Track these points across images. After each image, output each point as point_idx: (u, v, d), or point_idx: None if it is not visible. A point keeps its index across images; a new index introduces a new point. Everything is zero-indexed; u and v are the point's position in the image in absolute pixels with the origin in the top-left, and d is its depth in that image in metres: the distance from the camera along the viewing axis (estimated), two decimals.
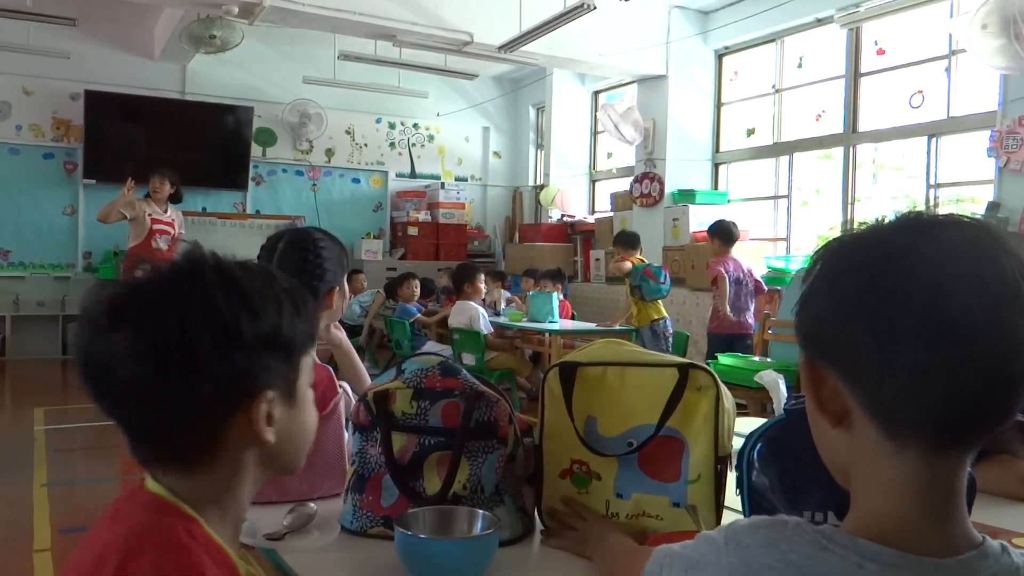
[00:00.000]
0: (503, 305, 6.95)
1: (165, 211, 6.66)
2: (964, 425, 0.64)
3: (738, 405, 1.80)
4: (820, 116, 6.90)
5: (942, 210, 0.66)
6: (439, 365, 1.24)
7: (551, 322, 5.83)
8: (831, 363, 0.66)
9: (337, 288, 1.69)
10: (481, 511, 1.14)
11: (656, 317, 5.70)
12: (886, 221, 0.67)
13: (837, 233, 0.69)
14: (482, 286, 6.09)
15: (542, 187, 9.64)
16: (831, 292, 0.65)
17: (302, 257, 1.60)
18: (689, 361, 1.26)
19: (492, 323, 5.95)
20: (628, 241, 6.08)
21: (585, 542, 1.18)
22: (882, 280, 0.62)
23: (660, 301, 5.79)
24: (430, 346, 6.32)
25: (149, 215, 6.55)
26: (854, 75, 6.52)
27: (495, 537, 1.08)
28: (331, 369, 1.49)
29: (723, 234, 5.60)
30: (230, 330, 0.75)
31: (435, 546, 1.07)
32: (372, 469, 1.24)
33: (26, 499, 3.70)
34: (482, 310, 5.81)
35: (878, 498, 0.66)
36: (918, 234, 0.63)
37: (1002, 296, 0.61)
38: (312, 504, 1.28)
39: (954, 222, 0.65)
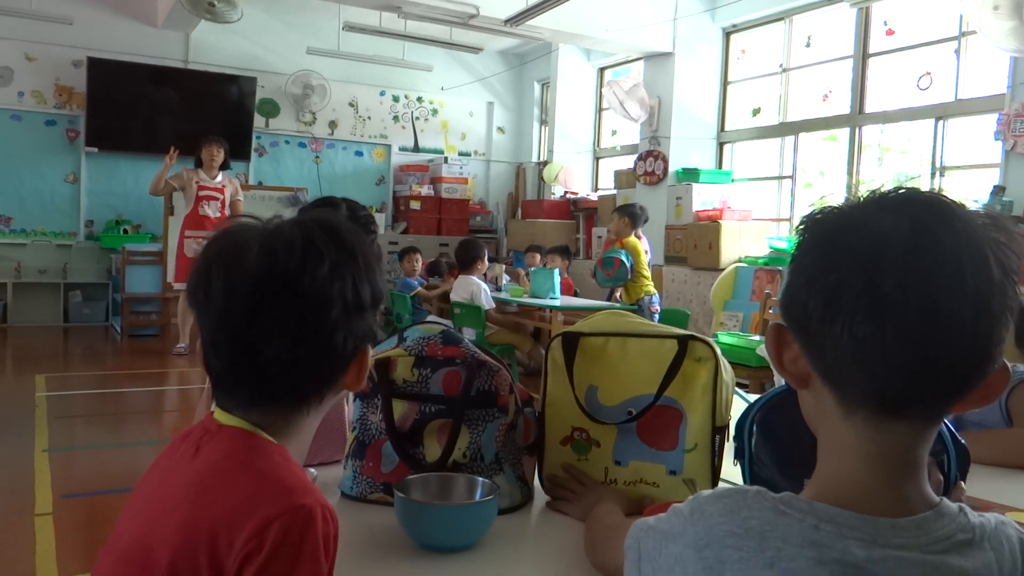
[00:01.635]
0: (504, 281, 6.95)
1: (214, 178, 6.67)
2: (906, 398, 0.65)
3: (739, 384, 1.81)
4: (827, 96, 6.86)
5: (928, 187, 0.69)
6: (441, 334, 1.24)
7: (552, 298, 5.84)
8: (793, 328, 0.70)
9: None
10: (481, 479, 1.15)
11: (641, 295, 5.72)
12: (878, 193, 0.68)
13: (823, 204, 0.71)
14: (485, 262, 6.09)
15: (545, 163, 9.61)
16: (798, 261, 0.69)
17: (365, 229, 1.74)
18: (689, 333, 1.26)
19: (493, 298, 5.95)
20: (633, 217, 5.96)
21: (581, 508, 1.19)
22: (834, 252, 0.65)
23: (646, 279, 5.80)
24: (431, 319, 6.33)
25: (196, 183, 6.57)
26: (862, 55, 6.47)
27: (494, 503, 1.08)
28: None
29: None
30: (376, 291, 0.85)
31: (435, 511, 1.07)
32: (372, 436, 1.24)
33: (27, 464, 3.73)
34: (484, 285, 5.81)
35: (835, 463, 0.69)
36: (881, 209, 0.65)
37: (941, 282, 0.62)
38: (312, 470, 1.29)
39: (922, 201, 0.66)
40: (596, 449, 1.28)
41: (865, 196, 0.68)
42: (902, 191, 0.67)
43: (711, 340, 1.24)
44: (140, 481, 0.87)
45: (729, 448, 1.23)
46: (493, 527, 1.10)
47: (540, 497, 1.29)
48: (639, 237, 6.00)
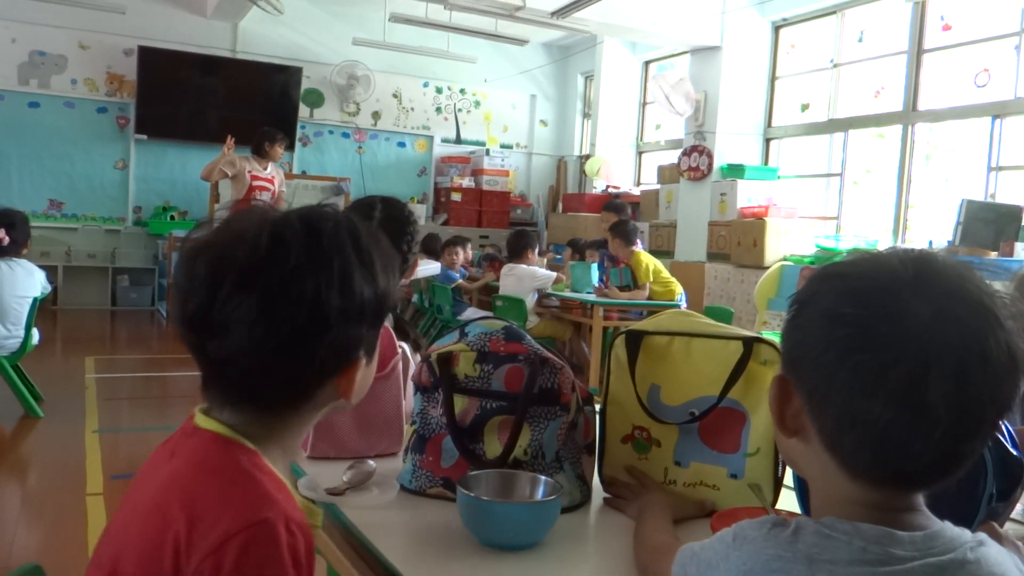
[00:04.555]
0: None
1: (265, 168, 6.79)
2: (915, 479, 0.68)
3: None
4: (879, 93, 6.71)
5: (949, 262, 0.67)
6: (503, 330, 1.24)
7: (588, 292, 5.83)
8: (804, 391, 0.69)
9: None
10: (543, 477, 1.14)
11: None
12: (890, 259, 0.67)
13: (838, 258, 0.71)
14: (535, 253, 6.13)
15: (587, 157, 9.57)
16: (826, 329, 0.67)
17: (402, 230, 1.72)
18: (755, 335, 1.24)
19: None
20: (625, 236, 5.81)
21: (637, 509, 1.18)
22: (876, 340, 0.64)
23: (670, 283, 5.71)
24: (470, 312, 6.35)
25: (249, 172, 6.70)
26: (917, 51, 6.32)
27: (558, 503, 1.08)
28: (390, 329, 1.49)
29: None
30: (354, 305, 0.77)
31: (499, 509, 1.07)
32: (433, 430, 1.24)
33: (79, 444, 3.81)
34: (539, 269, 5.81)
35: (839, 508, 0.69)
36: (920, 299, 0.64)
37: (981, 380, 0.63)
38: (371, 462, 1.29)
39: (958, 294, 0.65)
40: (656, 449, 1.27)
41: (894, 261, 0.67)
42: (930, 270, 0.66)
43: (778, 343, 1.22)
44: (123, 497, 0.85)
45: None
46: (553, 526, 1.09)
47: (598, 496, 1.28)
48: (635, 245, 5.90)
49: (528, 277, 5.68)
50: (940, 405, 0.62)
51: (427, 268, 6.25)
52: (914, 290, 0.65)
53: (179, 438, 0.81)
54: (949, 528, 0.67)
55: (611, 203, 6.60)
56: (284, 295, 0.74)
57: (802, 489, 1.16)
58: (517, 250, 5.86)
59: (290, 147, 8.80)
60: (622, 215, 6.31)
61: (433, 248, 6.94)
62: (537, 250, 6.11)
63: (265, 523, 0.71)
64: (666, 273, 5.77)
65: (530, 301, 5.68)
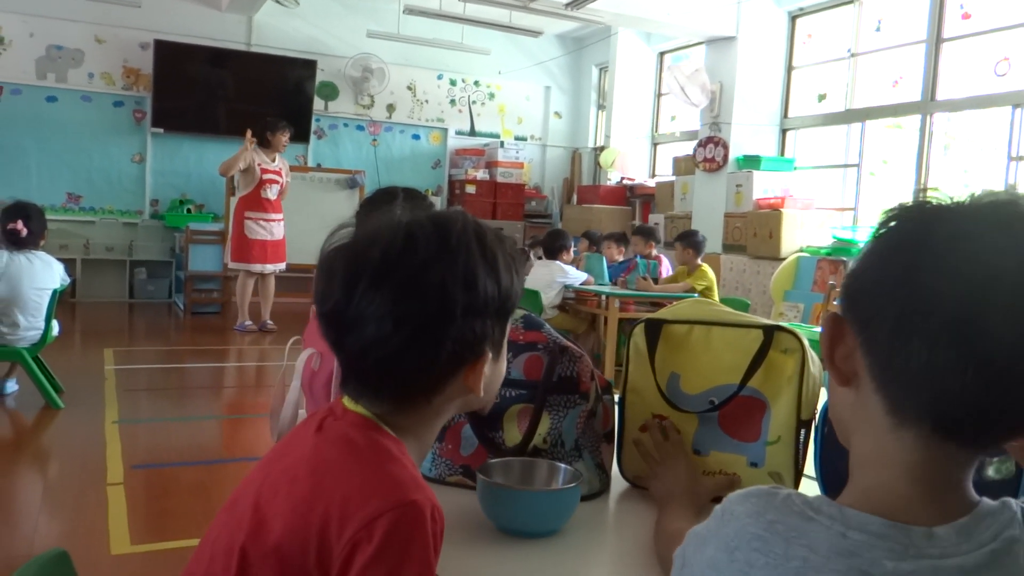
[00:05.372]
0: None
1: (273, 160, 6.81)
2: (963, 427, 0.62)
3: None
4: (897, 83, 6.65)
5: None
6: (522, 319, 1.24)
7: (600, 284, 5.85)
8: (856, 325, 0.66)
9: None
10: (563, 465, 1.14)
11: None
12: (972, 199, 0.63)
13: (920, 198, 0.66)
14: (571, 253, 6.15)
15: (602, 149, 9.54)
16: (880, 260, 0.64)
17: None
18: (775, 323, 1.24)
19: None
20: (696, 246, 5.86)
21: (661, 486, 1.18)
22: (928, 270, 0.60)
23: (699, 271, 5.71)
24: None
25: (259, 165, 6.72)
26: (936, 40, 6.25)
27: (578, 490, 1.08)
28: None
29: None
30: (479, 299, 0.81)
31: (519, 496, 1.07)
32: (452, 418, 1.24)
33: (99, 435, 3.85)
34: (568, 267, 5.83)
35: (873, 470, 0.66)
36: (995, 227, 0.60)
37: None
38: None
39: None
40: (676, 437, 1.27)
41: (978, 198, 0.63)
42: (1004, 197, 0.62)
43: (799, 331, 1.21)
44: (264, 457, 0.89)
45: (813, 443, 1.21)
46: (573, 514, 1.09)
47: (617, 485, 1.28)
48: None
49: (559, 272, 5.71)
50: (995, 338, 0.58)
51: None
52: (978, 213, 0.61)
53: (326, 415, 0.85)
54: (983, 517, 0.62)
55: (642, 227, 6.72)
56: (414, 288, 0.79)
57: (824, 478, 1.16)
58: (553, 249, 5.90)
59: (302, 138, 8.85)
60: (651, 239, 6.42)
61: None
62: (572, 251, 6.13)
63: (414, 504, 0.75)
64: (716, 295, 5.74)
65: (555, 296, 5.70)
